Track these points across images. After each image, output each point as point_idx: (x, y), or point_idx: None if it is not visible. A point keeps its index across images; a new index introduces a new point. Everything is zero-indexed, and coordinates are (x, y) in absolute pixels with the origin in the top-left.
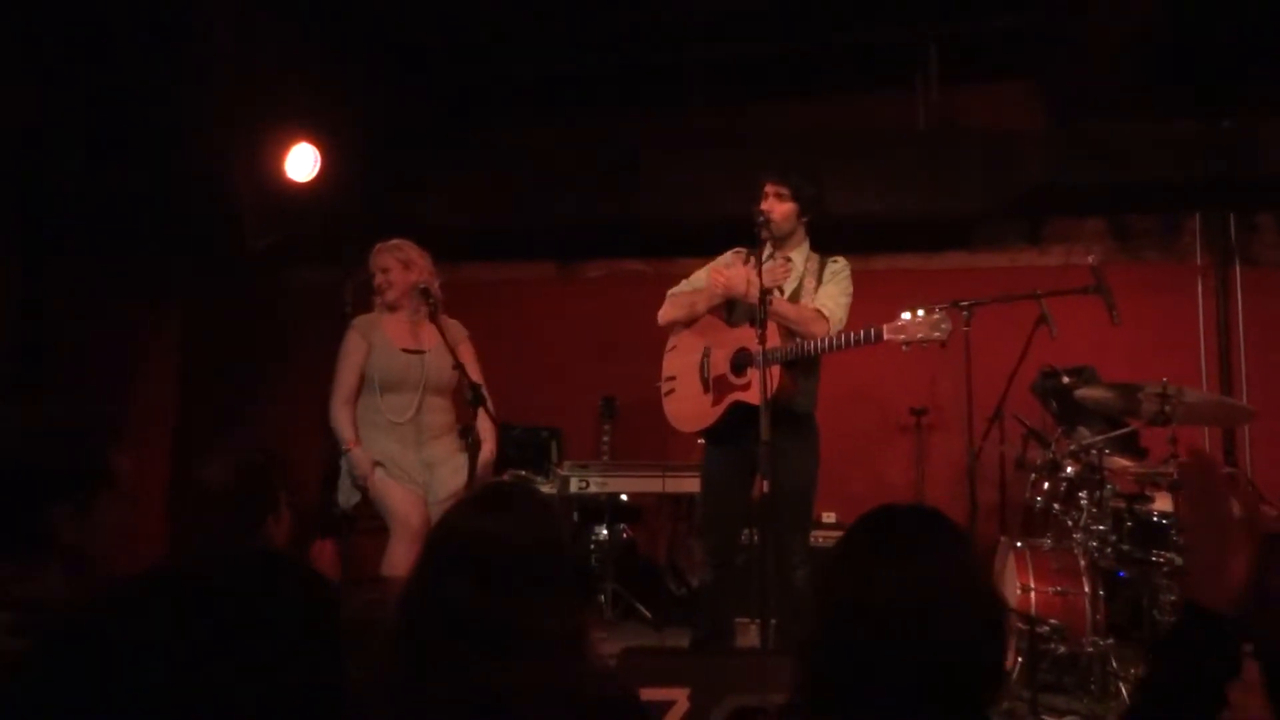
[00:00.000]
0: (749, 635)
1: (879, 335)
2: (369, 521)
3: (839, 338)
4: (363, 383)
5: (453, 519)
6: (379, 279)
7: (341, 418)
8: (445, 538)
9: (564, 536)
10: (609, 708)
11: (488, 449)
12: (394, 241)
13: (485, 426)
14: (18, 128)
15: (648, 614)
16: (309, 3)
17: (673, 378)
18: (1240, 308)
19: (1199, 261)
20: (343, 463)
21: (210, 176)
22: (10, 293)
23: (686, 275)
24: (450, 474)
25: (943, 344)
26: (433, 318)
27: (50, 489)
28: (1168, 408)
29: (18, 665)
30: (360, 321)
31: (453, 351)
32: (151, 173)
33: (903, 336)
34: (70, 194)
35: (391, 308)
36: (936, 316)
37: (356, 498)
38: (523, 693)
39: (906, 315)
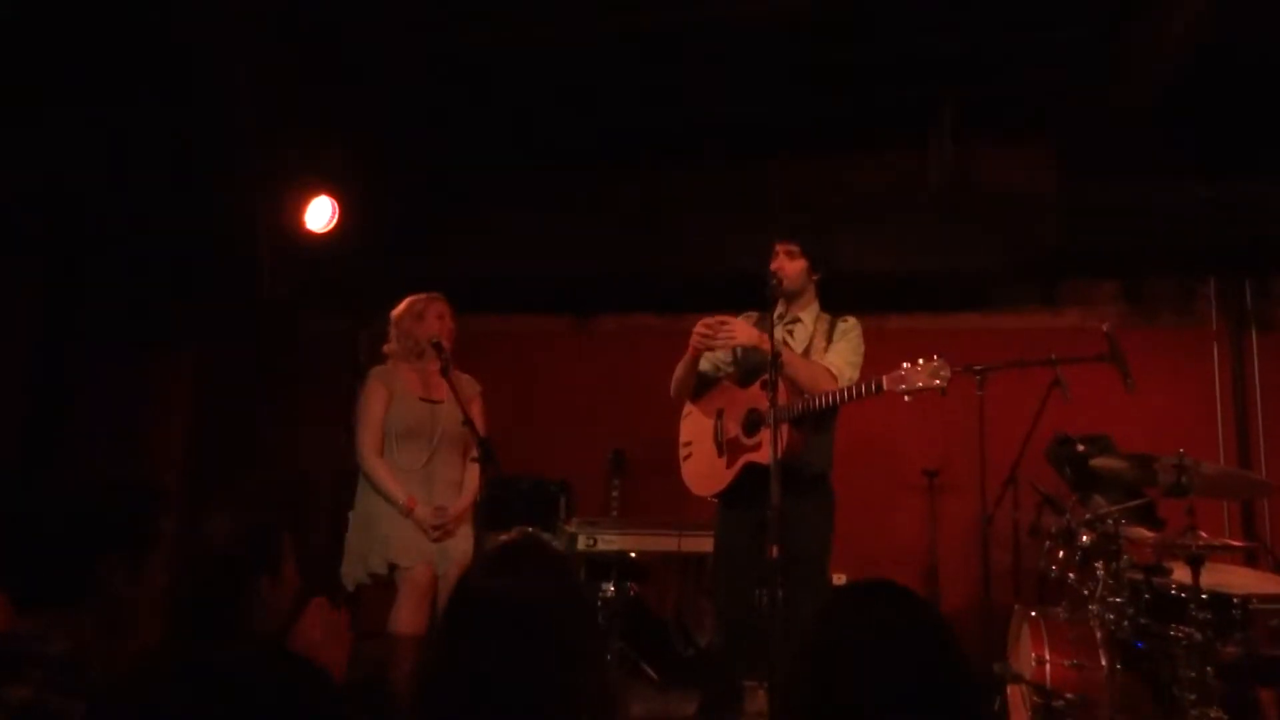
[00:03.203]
0: (756, 699)
1: (880, 387)
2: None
3: (842, 392)
4: (382, 433)
5: (467, 582)
6: (438, 325)
7: (384, 474)
8: (461, 601)
9: (582, 594)
10: None
11: (463, 501)
12: (435, 294)
13: (471, 479)
14: (40, 178)
15: (654, 675)
16: (331, 58)
17: (689, 443)
18: (1257, 373)
19: (1214, 326)
20: (349, 540)
21: (229, 225)
22: (31, 338)
23: None
24: (459, 543)
25: (943, 392)
26: (445, 372)
27: (108, 541)
28: (1184, 479)
29: None
30: (379, 371)
31: (464, 408)
32: (171, 220)
33: (903, 386)
34: (91, 241)
35: (419, 356)
36: (935, 364)
37: (364, 578)
38: None
39: (906, 365)
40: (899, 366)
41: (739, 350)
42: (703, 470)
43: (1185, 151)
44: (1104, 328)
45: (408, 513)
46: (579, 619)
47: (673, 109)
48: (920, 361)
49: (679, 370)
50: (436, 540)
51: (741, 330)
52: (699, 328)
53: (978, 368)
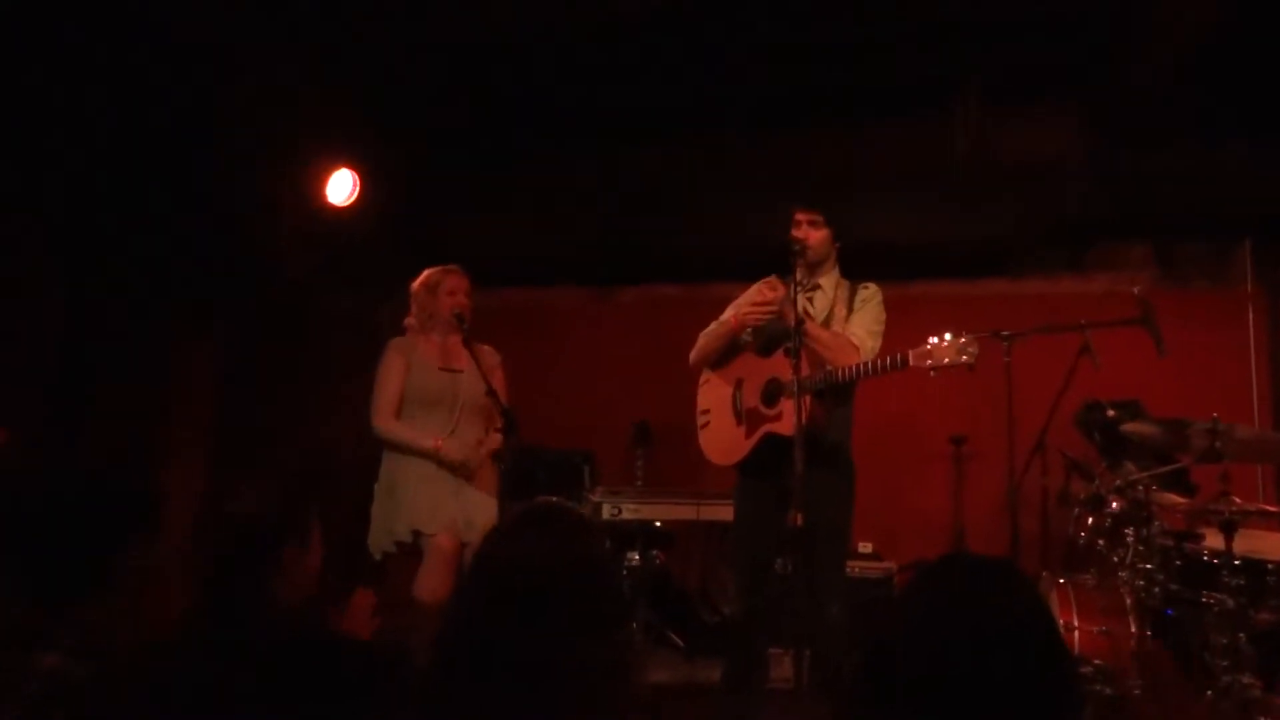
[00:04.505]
0: (782, 667)
1: (905, 361)
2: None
3: (867, 365)
4: (401, 402)
5: (489, 544)
6: (450, 301)
7: (401, 430)
8: (482, 564)
9: (604, 559)
10: None
11: (487, 445)
12: (457, 266)
13: (491, 439)
14: (64, 155)
15: (680, 642)
16: (351, 32)
17: (707, 411)
18: None
19: (1249, 289)
20: (374, 509)
21: (251, 201)
22: (55, 318)
23: (720, 300)
24: (483, 512)
25: (970, 368)
26: (466, 343)
27: (132, 521)
28: (1218, 444)
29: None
30: (398, 342)
31: (485, 378)
32: (192, 198)
33: (929, 362)
34: (113, 219)
35: (444, 329)
36: (963, 340)
37: (390, 547)
38: None
39: (934, 340)
40: (924, 340)
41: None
42: (721, 439)
43: (1217, 113)
44: (1135, 290)
45: (436, 452)
46: (598, 586)
47: (695, 80)
48: (947, 337)
49: (713, 342)
50: (464, 478)
51: (781, 299)
52: (755, 302)
53: (1005, 333)
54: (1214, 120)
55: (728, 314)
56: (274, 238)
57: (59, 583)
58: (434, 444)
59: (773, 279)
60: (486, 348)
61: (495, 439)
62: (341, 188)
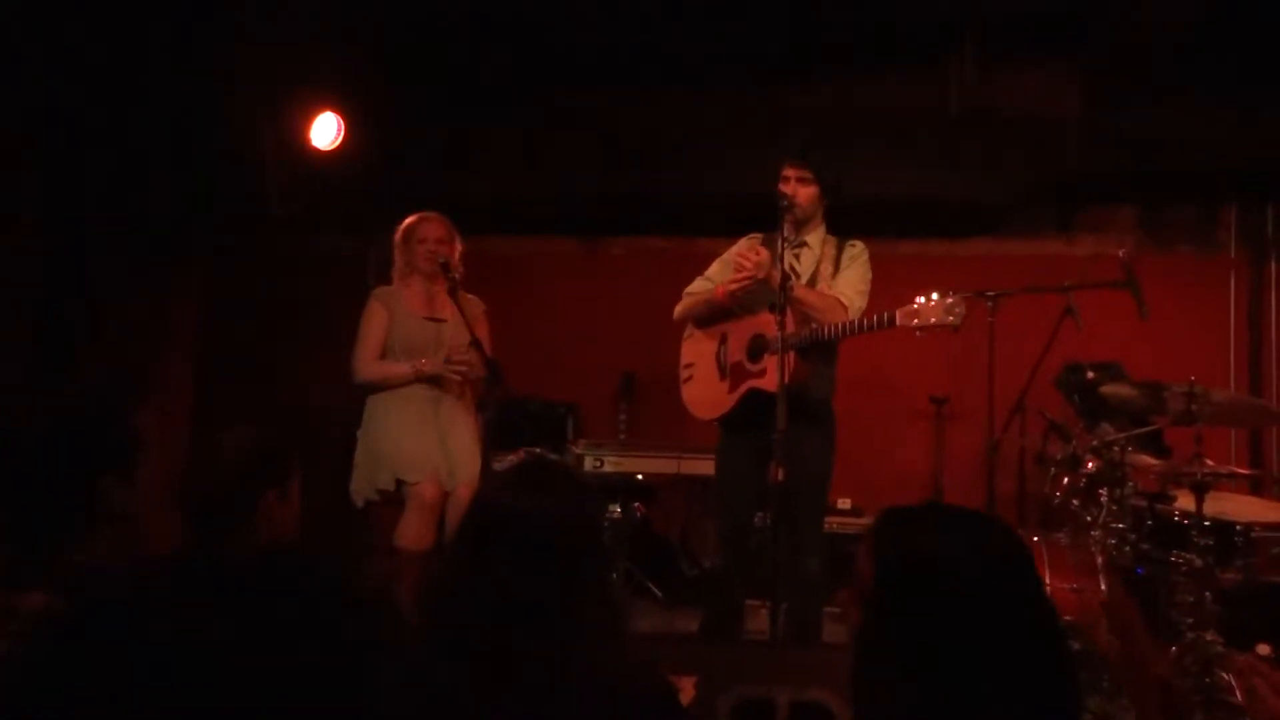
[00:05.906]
0: (759, 618)
1: (892, 320)
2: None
3: (853, 323)
4: (384, 352)
5: (491, 496)
6: (436, 248)
7: (376, 366)
8: (483, 515)
9: (600, 518)
10: (645, 695)
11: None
12: (436, 214)
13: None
14: (43, 94)
15: (659, 593)
16: None
17: (690, 365)
18: (1274, 303)
19: (1233, 254)
20: (357, 457)
21: (235, 144)
22: (35, 259)
23: (708, 254)
24: (466, 461)
25: (955, 329)
26: (452, 293)
27: (100, 461)
28: (1194, 407)
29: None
30: (381, 292)
31: (470, 328)
32: (176, 139)
33: (916, 321)
34: (95, 161)
35: (429, 276)
36: (950, 301)
37: (373, 495)
38: (560, 676)
39: (920, 300)
40: (912, 299)
41: None
42: (704, 394)
43: (1213, 75)
44: (1120, 253)
45: (419, 372)
46: (594, 543)
47: (683, 28)
48: (934, 296)
49: (699, 306)
50: (459, 376)
51: (763, 265)
52: (735, 278)
53: (990, 293)
54: (1208, 85)
55: (714, 269)
56: (259, 181)
57: (39, 523)
58: (418, 365)
59: (755, 237)
60: (471, 297)
61: (476, 365)
62: (326, 131)
